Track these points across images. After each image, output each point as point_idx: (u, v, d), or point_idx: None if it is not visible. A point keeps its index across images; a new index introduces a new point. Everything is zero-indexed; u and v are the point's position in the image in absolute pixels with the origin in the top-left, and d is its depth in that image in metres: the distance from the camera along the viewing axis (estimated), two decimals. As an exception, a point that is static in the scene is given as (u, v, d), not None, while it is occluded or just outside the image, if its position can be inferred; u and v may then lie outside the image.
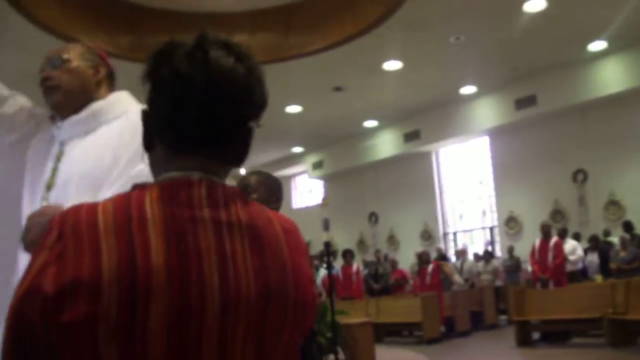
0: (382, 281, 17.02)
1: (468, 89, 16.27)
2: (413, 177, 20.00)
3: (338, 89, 15.12)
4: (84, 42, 2.93)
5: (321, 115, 17.39)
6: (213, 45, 1.28)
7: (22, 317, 1.13)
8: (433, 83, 15.22)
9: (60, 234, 1.16)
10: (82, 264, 1.11)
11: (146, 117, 1.32)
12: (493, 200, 18.27)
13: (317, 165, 22.62)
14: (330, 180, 22.89)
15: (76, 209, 1.20)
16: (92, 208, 1.19)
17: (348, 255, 15.42)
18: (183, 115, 1.25)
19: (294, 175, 25.16)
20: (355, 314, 11.34)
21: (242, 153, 1.34)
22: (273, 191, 3.18)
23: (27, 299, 1.13)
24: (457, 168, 19.63)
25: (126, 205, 1.19)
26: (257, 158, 19.50)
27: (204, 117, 1.25)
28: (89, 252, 1.12)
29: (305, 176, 24.14)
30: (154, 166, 1.33)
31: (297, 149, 22.24)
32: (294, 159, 23.21)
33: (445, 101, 16.93)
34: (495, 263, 16.18)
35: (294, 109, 16.15)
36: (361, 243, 21.61)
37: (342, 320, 8.81)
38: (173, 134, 1.27)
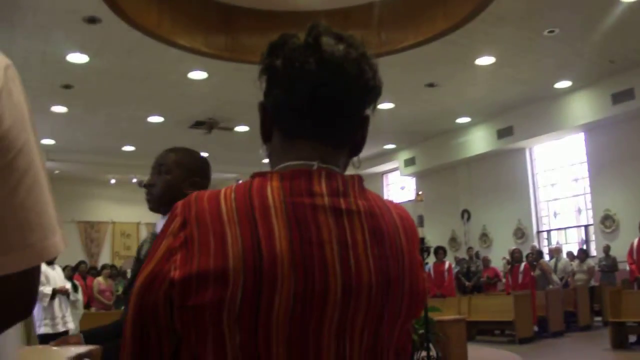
0: (474, 279, 16.89)
1: (563, 84, 15.90)
2: (506, 174, 19.71)
3: (430, 85, 15.05)
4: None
5: (413, 112, 17.32)
6: (324, 33, 1.30)
7: (147, 300, 1.21)
8: (526, 78, 14.97)
9: (185, 222, 1.21)
10: (208, 251, 1.16)
11: (263, 109, 1.36)
12: (588, 198, 17.83)
13: (409, 162, 22.52)
14: (422, 177, 22.77)
15: (199, 197, 1.24)
16: (214, 195, 1.23)
17: (440, 252, 15.37)
18: (299, 101, 1.27)
19: (386, 172, 25.14)
20: (447, 312, 11.29)
21: (360, 141, 1.37)
22: (191, 173, 2.83)
23: (152, 283, 1.20)
24: (551, 165, 19.24)
25: (248, 193, 1.23)
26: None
27: (319, 103, 1.27)
28: (213, 240, 1.17)
29: (397, 173, 24.08)
30: (271, 156, 1.36)
31: (389, 146, 22.18)
32: (386, 156, 23.16)
33: (539, 96, 16.62)
34: (590, 262, 15.81)
35: (386, 105, 16.14)
36: (453, 240, 21.44)
37: (435, 317, 8.79)
38: (290, 121, 1.31)
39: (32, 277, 1.06)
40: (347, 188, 1.27)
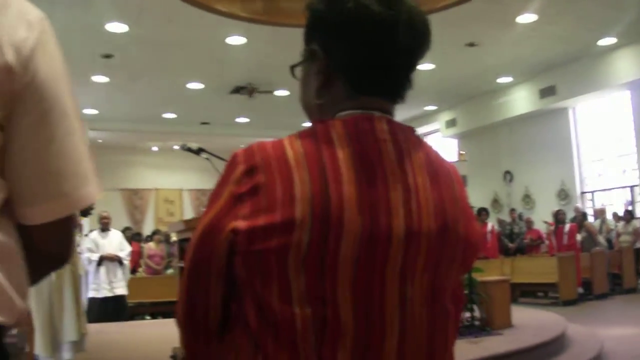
0: (517, 240, 16.81)
1: (607, 41, 15.54)
2: (549, 134, 19.43)
3: (471, 44, 14.83)
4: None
5: (454, 72, 17.13)
6: None
7: (207, 248, 1.22)
8: (569, 35, 14.67)
9: (250, 169, 1.20)
10: (275, 196, 1.16)
11: (325, 52, 1.33)
12: (634, 157, 17.53)
13: (451, 124, 22.34)
14: (463, 139, 22.60)
15: (261, 145, 1.23)
16: (278, 144, 1.23)
17: (483, 214, 15.30)
18: (376, 57, 1.27)
19: (427, 134, 24.93)
20: (489, 273, 11.22)
21: (406, 92, 1.38)
22: None
23: (213, 231, 1.21)
24: (595, 124, 18.89)
25: (314, 139, 1.23)
26: (389, 117, 19.52)
27: (396, 59, 1.28)
28: (281, 185, 1.16)
29: (438, 135, 23.90)
30: (331, 102, 1.33)
31: (430, 107, 22.00)
32: (427, 117, 22.99)
33: (582, 54, 16.30)
34: (636, 224, 15.59)
35: (426, 66, 15.98)
36: (495, 202, 21.30)
37: (478, 277, 8.74)
38: (362, 76, 1.29)
39: (68, 225, 1.09)
40: (407, 135, 1.30)
